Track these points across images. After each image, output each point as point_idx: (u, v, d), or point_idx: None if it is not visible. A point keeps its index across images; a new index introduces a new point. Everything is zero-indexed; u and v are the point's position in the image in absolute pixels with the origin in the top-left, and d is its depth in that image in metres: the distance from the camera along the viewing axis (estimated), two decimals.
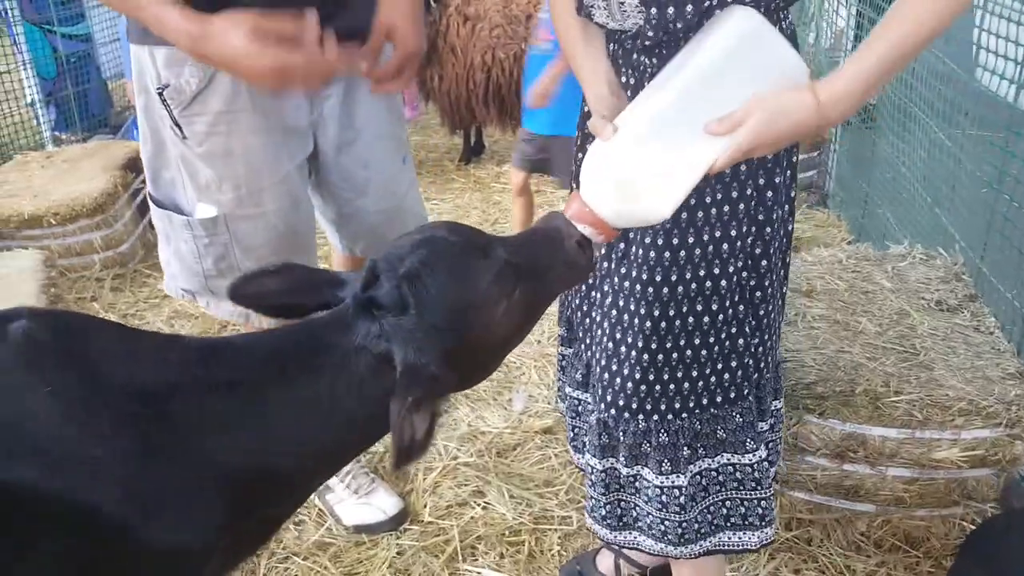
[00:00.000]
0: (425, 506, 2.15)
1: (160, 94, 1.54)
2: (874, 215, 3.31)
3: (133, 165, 3.71)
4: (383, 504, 2.11)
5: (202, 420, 1.02)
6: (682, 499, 1.47)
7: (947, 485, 1.92)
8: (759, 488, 1.50)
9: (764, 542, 1.52)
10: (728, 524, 1.53)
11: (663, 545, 1.50)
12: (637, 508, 1.53)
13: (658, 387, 1.42)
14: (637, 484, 1.51)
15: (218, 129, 1.56)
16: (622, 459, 1.49)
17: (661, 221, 1.22)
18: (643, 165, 1.16)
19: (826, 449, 1.92)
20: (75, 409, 0.97)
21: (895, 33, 1.09)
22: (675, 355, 1.40)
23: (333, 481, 2.11)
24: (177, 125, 1.56)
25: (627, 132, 1.17)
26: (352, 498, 2.11)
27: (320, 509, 2.15)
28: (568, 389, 1.69)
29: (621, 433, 1.46)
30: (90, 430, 0.97)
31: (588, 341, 1.58)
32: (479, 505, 2.16)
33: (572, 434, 1.72)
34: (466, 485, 2.23)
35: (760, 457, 1.49)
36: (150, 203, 1.72)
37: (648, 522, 1.51)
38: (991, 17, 2.17)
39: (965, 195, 2.46)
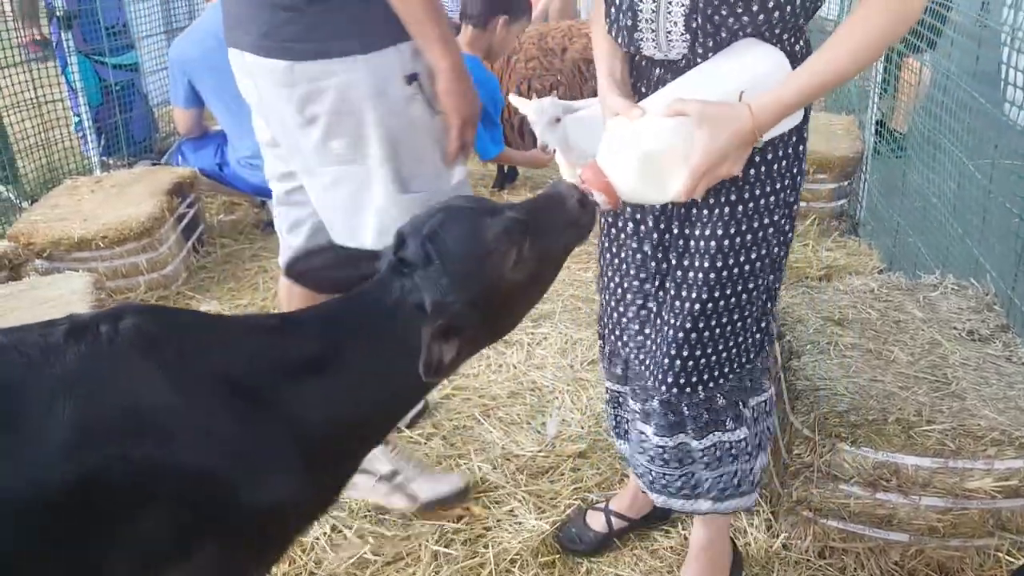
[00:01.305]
0: (459, 531, 2.20)
1: (415, 80, 1.75)
2: (905, 244, 3.33)
3: (179, 190, 3.84)
4: (450, 479, 2.29)
5: (284, 389, 1.19)
6: (750, 448, 1.73)
7: (981, 515, 1.93)
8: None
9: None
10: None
11: (736, 500, 1.77)
12: (724, 476, 1.74)
13: (712, 358, 1.64)
14: (718, 453, 1.72)
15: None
16: (690, 432, 1.70)
17: (660, 203, 1.43)
18: (668, 145, 1.33)
19: (859, 477, 1.94)
20: (186, 389, 1.13)
21: (823, 65, 1.35)
22: (718, 330, 1.61)
23: (401, 464, 2.24)
24: (430, 104, 1.78)
25: (655, 115, 1.35)
26: (422, 476, 2.25)
27: (358, 529, 2.21)
28: (608, 384, 1.91)
29: (685, 407, 1.67)
30: (199, 407, 1.14)
31: (625, 338, 1.76)
32: (513, 527, 2.20)
33: (615, 422, 1.94)
34: (499, 505, 2.28)
35: (771, 394, 1.79)
36: (407, 199, 1.80)
37: (735, 483, 1.74)
38: (1017, 55, 2.21)
39: (995, 226, 2.48)
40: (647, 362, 1.71)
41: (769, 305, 1.69)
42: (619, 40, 1.53)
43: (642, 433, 1.77)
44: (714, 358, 1.64)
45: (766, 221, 1.55)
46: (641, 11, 1.44)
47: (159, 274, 3.61)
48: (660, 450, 1.74)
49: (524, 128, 4.28)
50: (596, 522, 2.14)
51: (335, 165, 1.81)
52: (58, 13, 4.41)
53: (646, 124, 1.36)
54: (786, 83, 1.35)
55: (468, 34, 2.85)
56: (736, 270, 1.57)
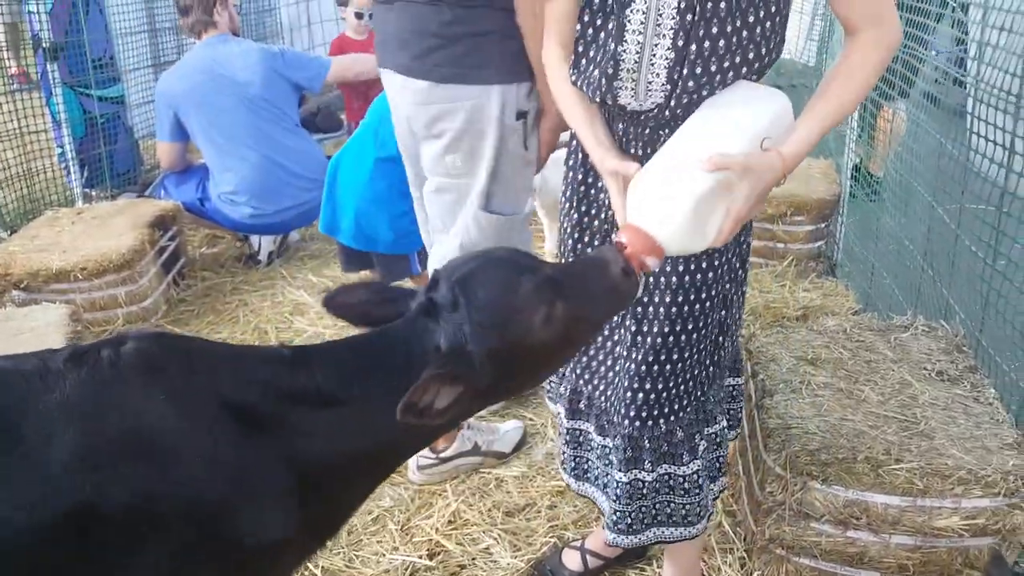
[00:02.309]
0: (431, 569, 2.19)
1: (523, 117, 2.03)
2: (880, 286, 3.38)
3: (160, 223, 3.84)
4: (508, 426, 2.69)
5: (289, 419, 1.19)
6: (700, 481, 1.77)
7: (950, 553, 1.95)
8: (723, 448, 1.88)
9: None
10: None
11: (697, 527, 1.79)
12: (671, 505, 1.78)
13: (672, 391, 1.68)
14: (670, 482, 1.76)
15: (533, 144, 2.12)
16: (647, 465, 1.73)
17: (700, 251, 1.47)
18: (712, 197, 1.37)
19: (830, 515, 1.96)
20: (188, 414, 1.14)
21: (825, 110, 1.46)
22: (679, 364, 1.67)
23: (475, 435, 2.58)
24: (525, 140, 2.06)
25: (693, 171, 1.37)
26: (494, 435, 2.62)
27: (330, 569, 2.19)
28: (567, 423, 1.89)
29: (647, 440, 1.70)
30: (201, 433, 1.14)
31: (587, 376, 1.79)
32: (487, 565, 2.19)
33: (573, 463, 1.93)
34: (474, 543, 2.27)
35: (723, 426, 1.85)
36: (484, 216, 2.11)
37: (682, 513, 1.78)
38: (980, 105, 2.28)
39: (964, 269, 2.53)
40: (612, 398, 1.74)
41: (721, 340, 1.75)
42: (592, 90, 1.54)
43: (607, 468, 1.79)
44: (674, 391, 1.68)
45: (717, 262, 1.62)
46: (623, 60, 1.47)
47: (138, 307, 3.60)
48: (615, 484, 1.76)
49: None
50: (572, 561, 2.13)
51: (444, 177, 2.12)
52: (44, 45, 4.44)
53: (689, 181, 1.37)
54: (804, 126, 1.45)
55: None
56: (696, 306, 1.62)
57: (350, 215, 3.02)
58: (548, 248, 4.02)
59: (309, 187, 4.05)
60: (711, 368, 1.75)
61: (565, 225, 1.78)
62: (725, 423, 1.87)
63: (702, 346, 1.68)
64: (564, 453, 1.94)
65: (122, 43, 5.16)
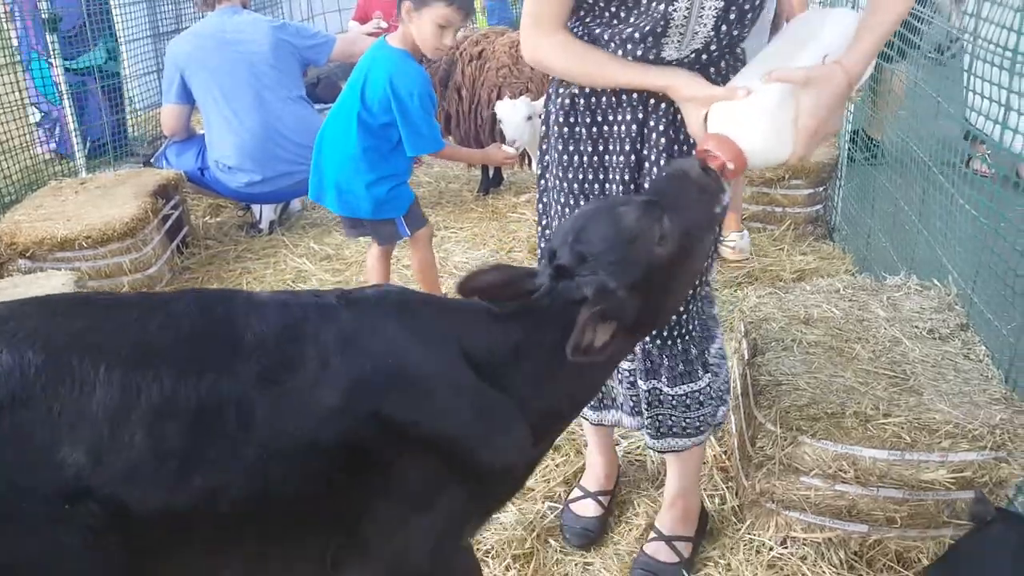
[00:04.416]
0: None
1: None
2: (877, 248, 3.40)
3: (163, 192, 3.88)
4: None
5: (503, 367, 1.37)
6: (714, 395, 1.96)
7: (937, 506, 1.99)
8: None
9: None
10: None
11: (700, 437, 1.97)
12: (687, 418, 1.94)
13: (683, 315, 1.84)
14: (687, 400, 1.91)
15: None
16: (665, 380, 1.89)
17: (780, 163, 1.57)
18: (785, 107, 1.47)
19: (819, 469, 2.00)
20: (438, 354, 1.32)
21: (878, 24, 1.53)
22: None
23: None
24: None
25: (774, 85, 1.48)
26: None
27: None
28: None
29: (665, 358, 1.86)
30: (451, 371, 1.31)
31: None
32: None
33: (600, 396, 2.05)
34: None
35: (722, 340, 2.03)
36: None
37: (696, 425, 1.95)
38: (977, 62, 2.28)
39: (958, 230, 2.55)
40: None
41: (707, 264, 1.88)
42: (632, 48, 1.62)
43: (632, 388, 1.97)
44: (684, 315, 1.83)
45: None
46: (673, 18, 1.56)
47: (143, 274, 3.65)
48: (639, 395, 1.94)
49: (496, 134, 4.37)
50: (587, 509, 2.22)
51: None
52: (43, 15, 4.45)
53: (763, 91, 1.48)
54: (860, 39, 1.52)
55: (399, 30, 2.91)
56: None
57: (332, 183, 3.05)
58: None
59: (306, 156, 4.06)
60: (707, 286, 1.90)
61: (546, 161, 1.90)
62: (723, 338, 2.03)
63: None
64: None
65: (121, 14, 5.16)
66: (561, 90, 1.81)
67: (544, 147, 1.91)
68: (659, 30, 1.57)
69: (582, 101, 1.77)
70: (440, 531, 1.37)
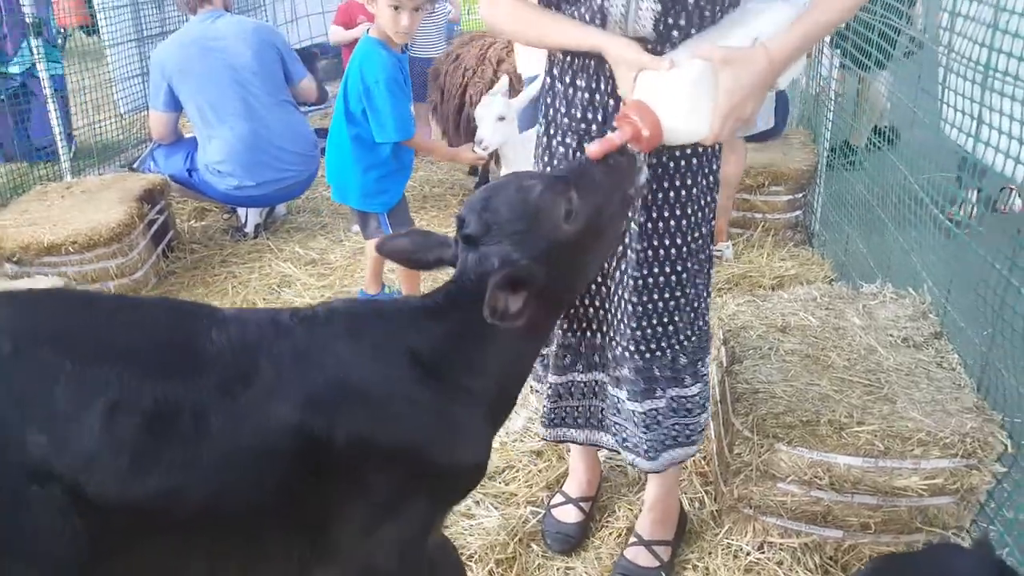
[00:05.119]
0: None
1: None
2: (855, 255, 3.45)
3: (149, 196, 3.89)
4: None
5: (448, 360, 1.41)
6: (701, 403, 1.95)
7: (909, 512, 2.04)
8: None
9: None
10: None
11: (692, 448, 1.97)
12: (677, 426, 1.92)
13: (668, 327, 1.84)
14: (675, 406, 1.90)
15: None
16: (658, 392, 1.87)
17: (693, 142, 1.58)
18: (704, 83, 1.48)
19: (795, 476, 2.04)
20: (388, 363, 1.36)
21: (813, 20, 1.53)
22: (661, 303, 1.82)
23: None
24: None
25: (696, 62, 1.49)
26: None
27: None
28: (584, 376, 1.99)
29: (656, 369, 1.84)
30: (400, 378, 1.36)
31: (595, 326, 1.91)
32: (469, 524, 2.28)
33: (587, 415, 2.03)
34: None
35: (711, 355, 2.00)
36: None
37: (686, 433, 1.94)
38: (952, 76, 2.33)
39: (930, 238, 2.60)
40: (616, 337, 1.86)
41: (705, 279, 1.91)
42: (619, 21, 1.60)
43: (616, 397, 1.93)
44: (671, 327, 1.83)
45: (678, 213, 1.76)
46: (611, 14, 1.57)
47: (129, 279, 3.66)
48: (631, 413, 1.90)
49: (460, 130, 4.48)
50: (568, 515, 2.26)
51: None
52: (28, 20, 4.44)
53: (685, 66, 1.50)
54: (792, 30, 1.53)
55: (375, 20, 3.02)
56: (660, 252, 1.77)
57: (332, 172, 3.25)
58: None
59: (294, 162, 4.10)
60: (707, 299, 1.91)
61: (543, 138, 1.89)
62: (712, 352, 2.03)
63: (687, 288, 1.81)
64: (577, 407, 2.04)
65: (105, 17, 5.15)
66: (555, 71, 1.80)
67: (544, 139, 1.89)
68: (597, 22, 1.60)
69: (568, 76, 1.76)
70: (408, 531, 1.42)
